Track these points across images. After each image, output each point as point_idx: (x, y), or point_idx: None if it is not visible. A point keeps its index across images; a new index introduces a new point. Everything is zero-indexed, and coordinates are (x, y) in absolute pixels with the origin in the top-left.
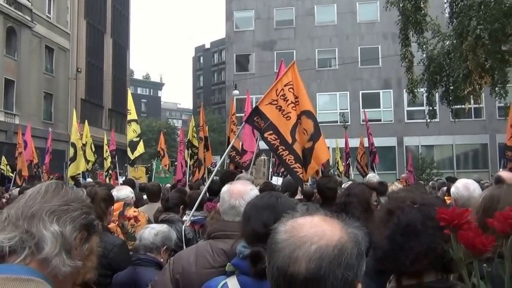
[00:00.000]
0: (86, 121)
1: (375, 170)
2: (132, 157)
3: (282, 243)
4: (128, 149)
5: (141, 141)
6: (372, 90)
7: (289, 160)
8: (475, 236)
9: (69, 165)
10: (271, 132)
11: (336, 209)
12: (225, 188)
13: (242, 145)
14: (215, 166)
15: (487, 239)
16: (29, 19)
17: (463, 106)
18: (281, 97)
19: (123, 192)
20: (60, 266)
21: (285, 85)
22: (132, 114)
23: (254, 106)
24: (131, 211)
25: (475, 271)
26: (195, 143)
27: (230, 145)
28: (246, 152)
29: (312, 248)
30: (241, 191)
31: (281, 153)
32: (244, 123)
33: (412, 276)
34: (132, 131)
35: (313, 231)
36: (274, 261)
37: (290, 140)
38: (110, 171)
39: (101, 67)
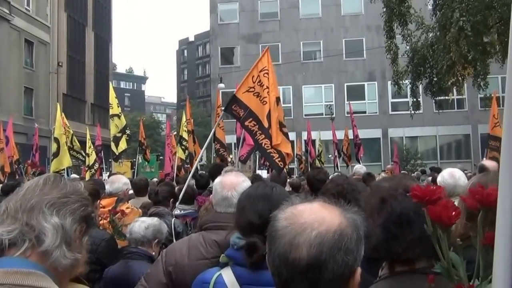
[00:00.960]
0: (63, 114)
1: (361, 162)
2: (116, 152)
3: (283, 230)
4: (113, 144)
5: (123, 136)
6: (357, 82)
7: (265, 144)
8: (442, 210)
9: (52, 160)
10: (250, 119)
11: (331, 197)
12: (217, 180)
13: (237, 138)
14: (201, 160)
15: (453, 212)
16: (7, 12)
17: (446, 97)
18: (258, 83)
19: (115, 185)
20: (60, 259)
21: (260, 71)
22: (114, 109)
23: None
24: (124, 207)
25: (443, 241)
26: (186, 136)
27: (210, 137)
28: (243, 146)
29: (313, 234)
30: (233, 183)
31: (258, 138)
32: (222, 113)
33: (404, 263)
34: (115, 126)
35: (313, 217)
36: (275, 248)
37: (266, 125)
38: (95, 167)
39: (83, 61)
